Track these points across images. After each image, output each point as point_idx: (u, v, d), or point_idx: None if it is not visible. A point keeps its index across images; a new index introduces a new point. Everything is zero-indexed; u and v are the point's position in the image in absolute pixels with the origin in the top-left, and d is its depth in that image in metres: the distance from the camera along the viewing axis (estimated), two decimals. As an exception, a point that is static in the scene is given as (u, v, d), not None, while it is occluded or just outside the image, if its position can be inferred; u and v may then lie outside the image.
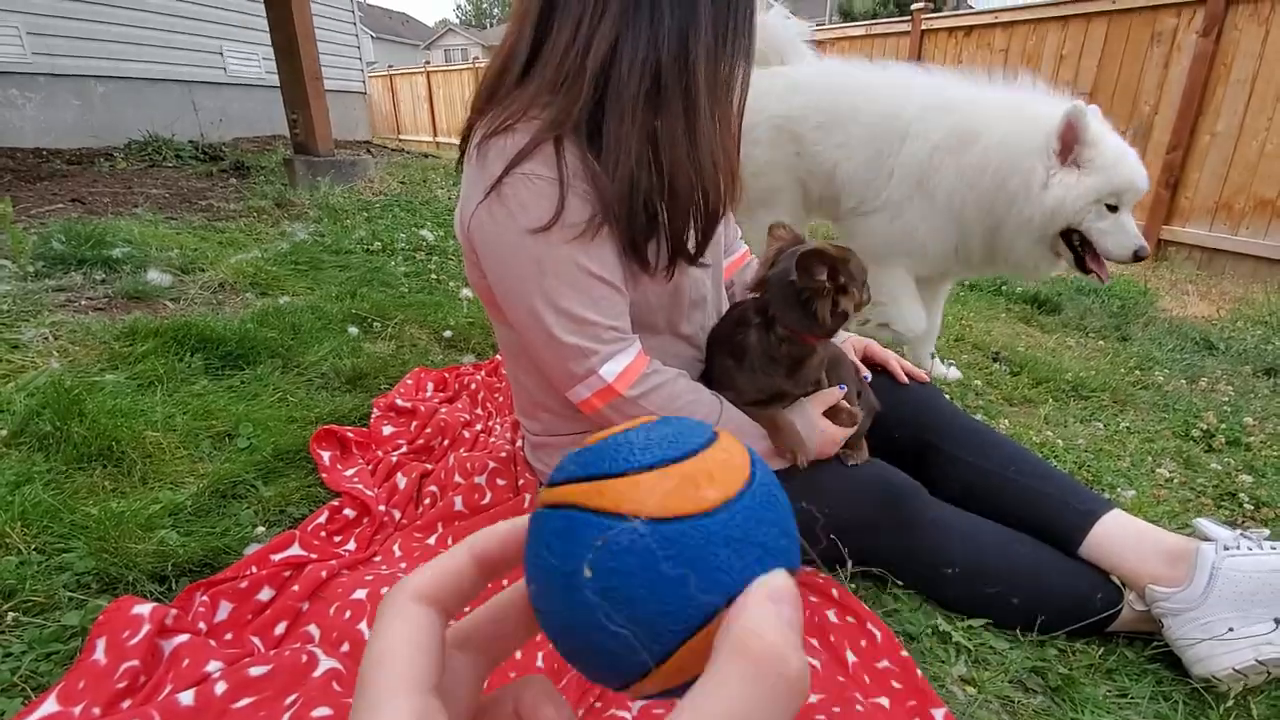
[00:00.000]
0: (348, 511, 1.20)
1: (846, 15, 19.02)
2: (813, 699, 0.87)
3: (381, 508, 1.21)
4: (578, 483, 0.25)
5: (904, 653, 0.96)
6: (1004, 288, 3.40)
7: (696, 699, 0.20)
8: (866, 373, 1.28)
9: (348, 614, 0.97)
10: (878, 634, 0.99)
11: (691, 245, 0.98)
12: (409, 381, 1.67)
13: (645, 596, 0.22)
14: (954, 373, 2.14)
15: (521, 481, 1.25)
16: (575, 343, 0.95)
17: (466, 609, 0.29)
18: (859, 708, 0.86)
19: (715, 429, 0.28)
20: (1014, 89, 1.77)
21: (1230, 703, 0.91)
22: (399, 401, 1.55)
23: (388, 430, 1.46)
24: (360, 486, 1.25)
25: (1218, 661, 0.90)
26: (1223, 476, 1.59)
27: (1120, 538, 1.03)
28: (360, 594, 1.00)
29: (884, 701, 0.90)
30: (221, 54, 6.85)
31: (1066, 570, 1.05)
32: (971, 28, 5.11)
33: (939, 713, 0.87)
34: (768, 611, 0.22)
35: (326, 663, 0.86)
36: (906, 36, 5.47)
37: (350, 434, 1.42)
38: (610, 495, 0.24)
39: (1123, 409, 1.99)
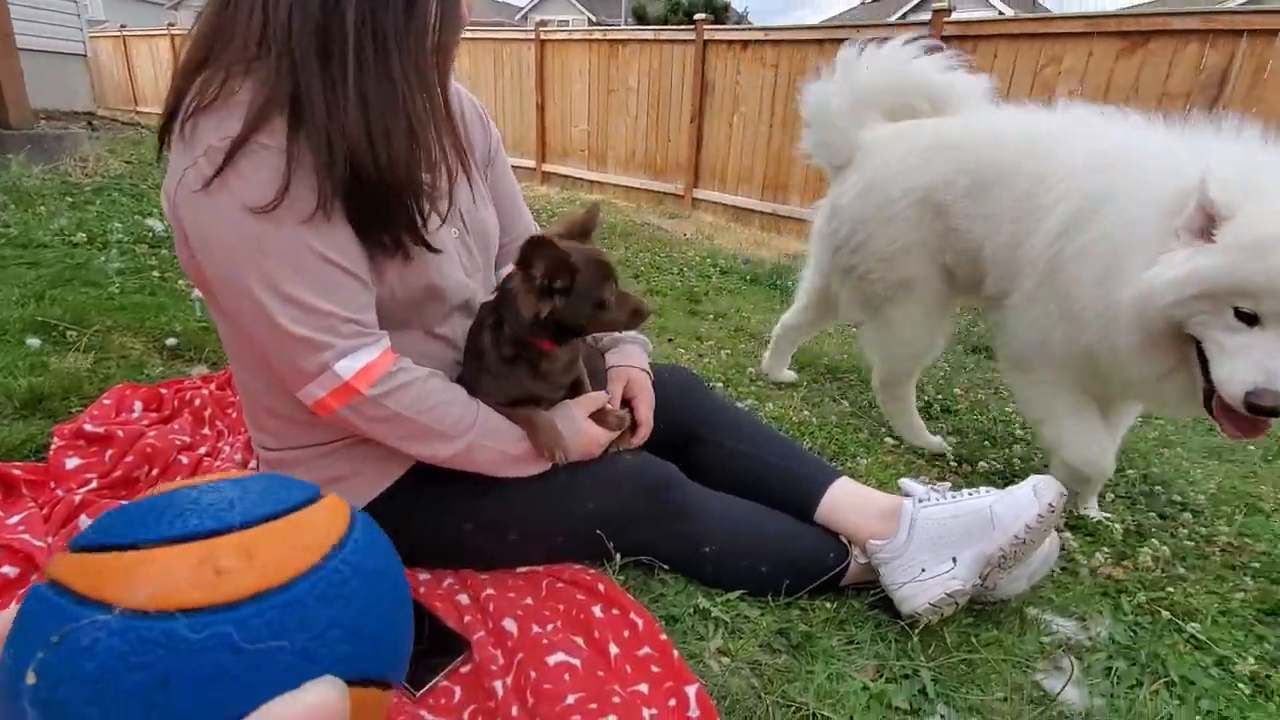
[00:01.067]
0: (7, 569, 0.96)
1: (640, 19, 19.79)
2: (570, 700, 0.85)
3: (56, 559, 0.98)
4: (89, 552, 0.19)
5: (663, 636, 0.99)
6: (779, 281, 3.74)
7: None
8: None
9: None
10: (639, 622, 1.01)
11: (394, 217, 0.89)
12: (107, 402, 1.38)
13: (96, 718, 0.16)
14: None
15: (253, 508, 1.08)
16: (305, 334, 0.85)
17: None
18: (616, 699, 0.87)
19: (322, 493, 0.22)
20: (1190, 134, 1.27)
21: (920, 635, 1.05)
22: (88, 427, 1.27)
23: (73, 463, 1.19)
24: (26, 536, 1.01)
25: (917, 599, 1.04)
26: (936, 439, 1.87)
27: (845, 502, 1.16)
28: (9, 674, 0.79)
29: (643, 688, 0.91)
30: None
31: (806, 536, 1.16)
32: (747, 42, 5.55)
33: (691, 690, 0.90)
34: None
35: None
36: (692, 45, 5.80)
37: (18, 471, 1.14)
38: (97, 574, 0.18)
39: (866, 387, 2.27)
